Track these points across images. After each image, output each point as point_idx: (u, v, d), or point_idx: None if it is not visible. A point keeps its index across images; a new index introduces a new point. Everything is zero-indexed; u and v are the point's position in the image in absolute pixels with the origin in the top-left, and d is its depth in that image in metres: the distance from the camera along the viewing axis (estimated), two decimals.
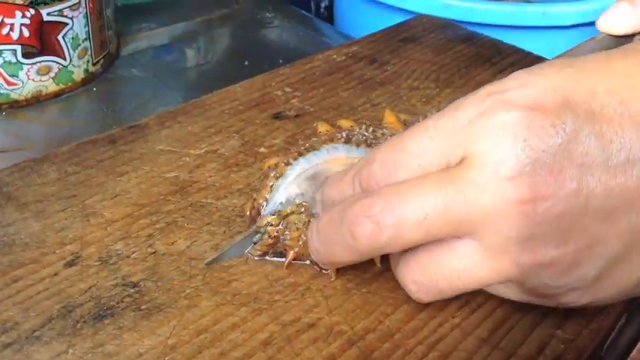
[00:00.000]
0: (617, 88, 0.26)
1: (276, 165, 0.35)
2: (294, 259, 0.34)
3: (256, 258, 0.34)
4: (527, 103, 0.26)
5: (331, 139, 0.37)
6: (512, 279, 0.28)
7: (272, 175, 0.35)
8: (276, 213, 0.34)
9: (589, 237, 0.26)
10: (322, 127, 0.41)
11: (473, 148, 0.26)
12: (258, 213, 0.35)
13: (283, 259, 0.34)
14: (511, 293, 0.30)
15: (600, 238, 0.26)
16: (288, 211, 0.34)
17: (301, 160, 0.35)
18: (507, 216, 0.26)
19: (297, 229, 0.34)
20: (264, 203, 0.34)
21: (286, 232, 0.34)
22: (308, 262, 0.34)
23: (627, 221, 0.26)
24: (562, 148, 0.25)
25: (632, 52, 0.28)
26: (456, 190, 0.26)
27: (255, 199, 0.35)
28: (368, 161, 0.29)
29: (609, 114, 0.26)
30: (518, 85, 0.26)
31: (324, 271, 0.33)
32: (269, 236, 0.34)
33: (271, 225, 0.34)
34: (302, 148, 0.36)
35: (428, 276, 0.29)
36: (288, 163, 0.35)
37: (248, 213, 0.35)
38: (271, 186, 0.34)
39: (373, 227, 0.27)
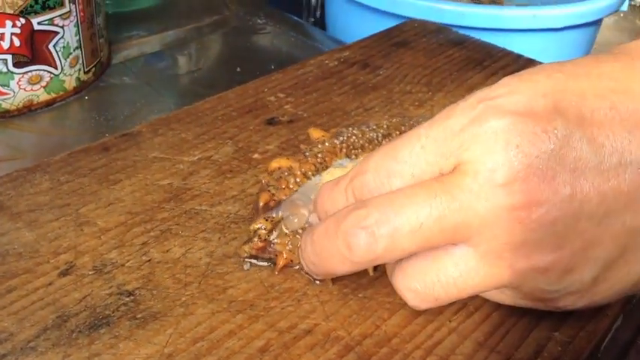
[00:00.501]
0: (606, 93, 0.26)
1: (290, 169, 0.36)
2: (284, 266, 0.34)
3: (246, 260, 0.34)
4: (518, 109, 0.26)
5: (334, 152, 0.37)
6: (507, 285, 0.28)
7: (292, 180, 0.35)
8: (269, 218, 0.34)
9: (584, 241, 0.26)
10: (315, 134, 0.41)
11: (466, 156, 0.26)
12: (270, 209, 0.35)
13: (269, 264, 0.34)
14: (507, 298, 0.30)
15: (595, 241, 0.26)
16: (280, 216, 0.34)
17: (318, 176, 0.36)
18: (502, 222, 0.26)
19: (286, 234, 0.34)
20: (284, 199, 0.35)
21: (276, 238, 0.34)
22: (297, 267, 0.34)
23: (621, 224, 0.26)
24: (554, 153, 0.25)
25: (622, 55, 0.28)
26: (451, 198, 0.26)
27: (273, 195, 0.35)
28: (360, 171, 0.29)
29: (600, 118, 0.26)
30: (509, 91, 0.26)
31: (316, 282, 0.33)
32: (259, 239, 0.34)
33: (263, 229, 0.34)
34: (317, 160, 0.36)
35: (423, 283, 0.28)
36: (306, 176, 0.36)
37: (261, 204, 0.35)
38: (296, 191, 0.35)
39: (368, 238, 0.27)
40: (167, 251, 0.35)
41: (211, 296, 0.32)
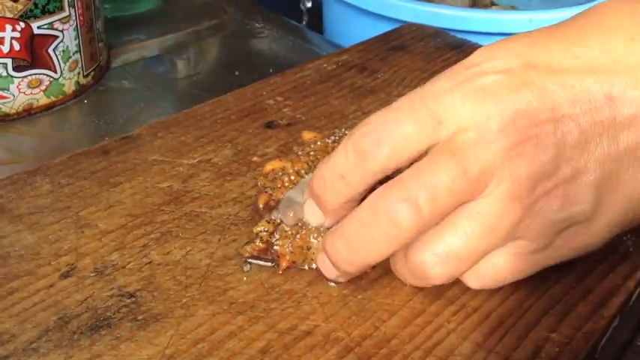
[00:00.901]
0: (569, 47, 0.31)
1: (283, 169, 0.36)
2: (287, 267, 0.34)
3: (246, 261, 0.35)
4: (499, 69, 0.31)
5: (325, 150, 0.37)
6: (520, 221, 0.30)
7: (286, 179, 0.36)
8: (271, 220, 0.34)
9: (573, 168, 0.30)
10: (307, 135, 0.41)
11: (463, 112, 0.30)
12: (270, 209, 0.35)
13: (270, 264, 0.35)
14: (525, 263, 0.32)
15: (583, 168, 0.30)
16: (280, 218, 0.34)
17: (311, 174, 0.36)
18: (508, 161, 0.29)
19: (286, 237, 0.34)
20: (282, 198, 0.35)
21: (278, 240, 0.34)
22: (306, 267, 0.34)
23: (601, 149, 0.30)
24: (534, 97, 0.30)
25: (583, 17, 0.33)
26: (466, 152, 0.29)
27: (271, 195, 0.35)
28: (360, 125, 0.31)
29: (566, 66, 0.31)
30: (487, 58, 0.31)
31: (330, 283, 0.34)
32: (261, 241, 0.34)
33: (265, 231, 0.34)
34: (309, 159, 0.37)
35: (442, 244, 0.30)
36: (299, 174, 0.36)
37: (261, 206, 0.35)
38: (291, 188, 0.35)
39: (413, 207, 0.29)
40: (167, 253, 0.35)
41: (212, 298, 0.33)
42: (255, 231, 0.34)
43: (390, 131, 0.30)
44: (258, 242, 0.34)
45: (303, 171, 0.36)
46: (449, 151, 0.30)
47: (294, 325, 0.31)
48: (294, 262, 0.34)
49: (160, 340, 0.30)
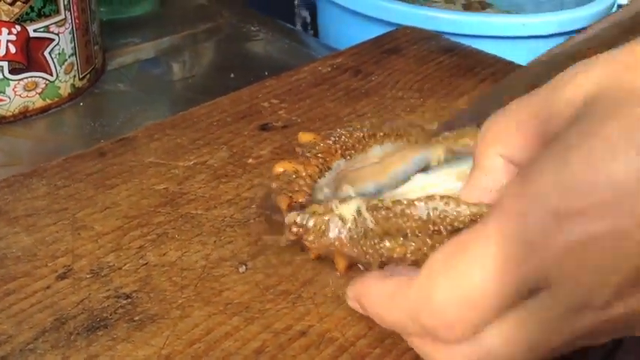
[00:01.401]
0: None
1: (296, 172, 0.36)
2: (316, 257, 0.35)
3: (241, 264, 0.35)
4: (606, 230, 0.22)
5: (329, 152, 0.38)
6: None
7: (302, 182, 0.36)
8: (321, 204, 0.35)
9: None
10: (305, 137, 0.41)
11: (557, 277, 0.23)
12: (292, 209, 0.35)
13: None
14: None
15: None
16: (313, 211, 0.35)
17: (323, 179, 0.37)
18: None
19: (314, 232, 0.34)
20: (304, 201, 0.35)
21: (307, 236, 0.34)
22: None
23: None
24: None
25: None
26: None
27: (291, 197, 0.36)
28: (427, 301, 0.25)
29: None
30: (594, 213, 0.22)
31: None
32: (292, 234, 0.34)
33: (295, 223, 0.34)
34: (318, 162, 0.37)
35: (477, 347, 0.26)
36: (312, 178, 0.36)
37: (284, 209, 0.35)
38: (309, 193, 0.36)
39: None
40: (163, 255, 0.35)
41: (207, 299, 0.33)
42: (288, 221, 0.34)
43: None
44: (290, 236, 0.34)
45: (315, 174, 0.37)
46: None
47: (289, 325, 0.32)
48: (320, 254, 0.35)
49: (156, 340, 0.31)
